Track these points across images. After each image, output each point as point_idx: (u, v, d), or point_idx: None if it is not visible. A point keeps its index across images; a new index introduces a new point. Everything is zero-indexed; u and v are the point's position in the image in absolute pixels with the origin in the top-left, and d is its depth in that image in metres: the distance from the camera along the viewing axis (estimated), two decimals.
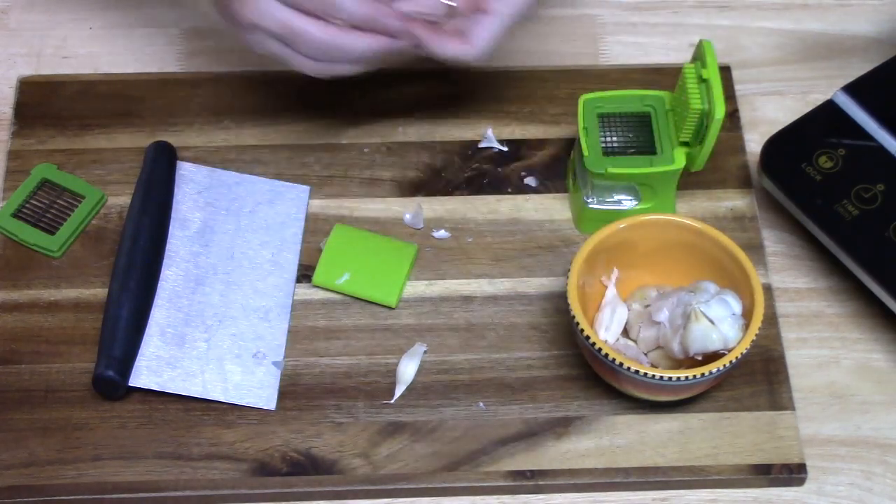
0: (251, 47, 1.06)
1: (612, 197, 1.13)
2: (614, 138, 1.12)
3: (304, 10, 1.02)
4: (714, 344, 1.02)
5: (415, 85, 1.23)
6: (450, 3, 1.09)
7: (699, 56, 1.09)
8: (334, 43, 1.03)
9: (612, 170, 1.10)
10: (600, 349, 1.02)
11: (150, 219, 1.13)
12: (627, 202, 1.13)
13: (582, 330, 1.03)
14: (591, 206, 1.13)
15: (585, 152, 1.10)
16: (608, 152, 1.11)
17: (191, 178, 1.17)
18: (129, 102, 1.22)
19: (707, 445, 1.06)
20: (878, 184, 1.11)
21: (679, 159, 1.10)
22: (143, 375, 1.07)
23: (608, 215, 1.12)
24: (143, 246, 1.11)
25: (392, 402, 1.08)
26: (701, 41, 1.09)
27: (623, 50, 1.27)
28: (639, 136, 1.12)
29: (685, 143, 1.11)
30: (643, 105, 1.13)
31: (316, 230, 1.16)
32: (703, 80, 1.08)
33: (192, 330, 1.10)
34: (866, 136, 1.13)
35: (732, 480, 1.05)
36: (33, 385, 1.08)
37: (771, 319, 1.11)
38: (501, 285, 1.13)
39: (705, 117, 1.07)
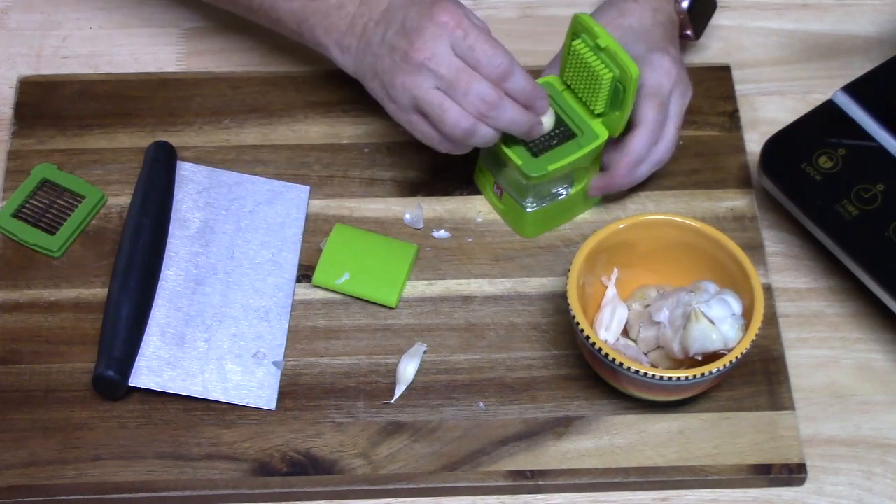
0: (400, 92, 1.07)
1: (550, 192, 1.13)
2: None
3: (476, 68, 1.06)
4: (714, 344, 1.02)
5: None
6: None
7: (581, 30, 1.10)
8: (494, 100, 1.06)
9: (552, 167, 1.10)
10: (600, 349, 1.02)
11: (150, 219, 1.13)
12: (563, 191, 1.14)
13: (582, 330, 1.03)
14: (531, 209, 1.13)
15: (518, 161, 1.10)
16: (536, 153, 1.11)
17: (191, 178, 1.17)
18: (129, 102, 1.22)
19: (707, 445, 1.06)
20: (878, 184, 1.11)
21: (602, 131, 1.12)
22: (143, 375, 1.07)
23: (549, 212, 1.13)
24: (143, 246, 1.11)
25: (392, 402, 1.08)
26: (575, 15, 1.10)
27: None
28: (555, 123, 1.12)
29: (600, 115, 1.11)
30: None
31: (316, 230, 1.16)
32: (601, 49, 1.09)
33: (192, 330, 1.10)
34: (866, 136, 1.13)
35: (732, 480, 1.05)
36: (33, 385, 1.08)
37: (771, 319, 1.11)
38: (501, 285, 1.13)
39: (619, 82, 1.08)
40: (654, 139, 1.12)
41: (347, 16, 1.11)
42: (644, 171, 1.14)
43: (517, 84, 1.06)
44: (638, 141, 1.12)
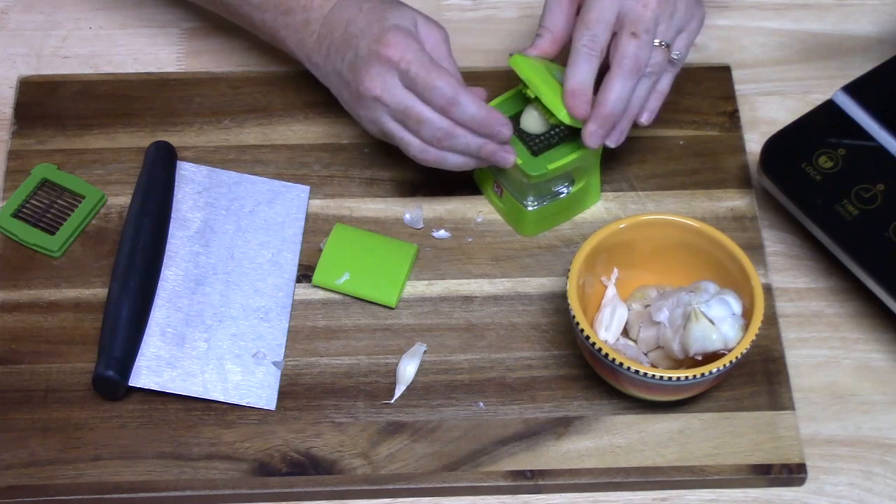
0: (366, 122, 1.10)
1: (551, 191, 1.13)
2: (533, 136, 1.12)
3: (424, 99, 1.06)
4: (714, 344, 1.02)
5: None
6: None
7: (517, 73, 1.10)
8: (445, 130, 1.06)
9: (552, 166, 1.10)
10: (600, 349, 1.02)
11: (150, 219, 1.13)
12: (564, 190, 1.14)
13: (582, 330, 1.03)
14: (531, 208, 1.13)
15: (518, 160, 1.10)
16: (536, 152, 1.11)
17: (191, 178, 1.17)
18: (129, 102, 1.22)
19: (707, 445, 1.06)
20: (878, 184, 1.11)
21: None
22: (143, 375, 1.07)
23: (549, 211, 1.14)
24: (143, 246, 1.11)
25: (392, 402, 1.08)
26: (509, 57, 1.10)
27: None
28: (550, 124, 1.12)
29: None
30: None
31: (316, 230, 1.16)
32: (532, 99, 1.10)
33: (192, 330, 1.10)
34: (866, 136, 1.13)
35: (732, 480, 1.05)
36: (33, 385, 1.08)
37: (771, 319, 1.11)
38: (501, 285, 1.13)
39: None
40: (631, 77, 1.06)
41: (314, 34, 1.11)
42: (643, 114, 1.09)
43: (464, 113, 1.06)
44: (609, 88, 1.07)
